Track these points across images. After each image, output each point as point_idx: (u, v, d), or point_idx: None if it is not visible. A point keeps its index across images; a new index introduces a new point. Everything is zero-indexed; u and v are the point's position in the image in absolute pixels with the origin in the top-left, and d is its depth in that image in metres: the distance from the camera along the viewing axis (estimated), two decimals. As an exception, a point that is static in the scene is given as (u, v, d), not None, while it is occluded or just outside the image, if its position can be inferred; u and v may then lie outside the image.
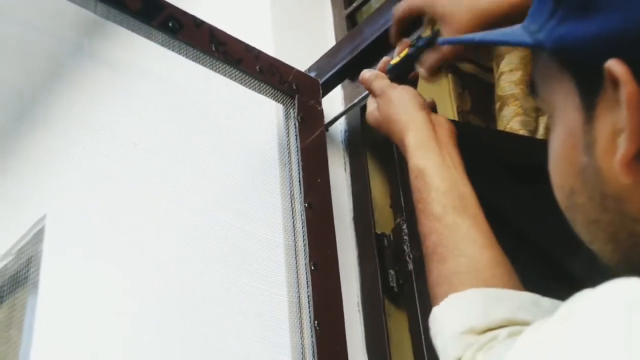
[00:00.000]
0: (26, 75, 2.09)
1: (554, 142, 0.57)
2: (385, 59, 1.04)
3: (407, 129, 0.91)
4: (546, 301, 0.73)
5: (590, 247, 0.55)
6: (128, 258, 1.58)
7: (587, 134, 0.52)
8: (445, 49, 0.93)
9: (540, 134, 1.34)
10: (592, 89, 0.51)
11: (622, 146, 0.49)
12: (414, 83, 1.02)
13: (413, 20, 1.00)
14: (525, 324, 0.68)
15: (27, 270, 2.00)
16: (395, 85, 0.98)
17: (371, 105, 1.00)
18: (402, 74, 1.00)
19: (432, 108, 1.01)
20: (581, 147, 0.53)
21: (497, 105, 1.60)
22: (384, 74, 1.00)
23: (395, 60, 1.01)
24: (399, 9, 0.99)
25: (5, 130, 2.24)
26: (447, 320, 0.75)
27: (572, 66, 0.53)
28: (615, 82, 0.48)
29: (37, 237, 2.02)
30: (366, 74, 1.01)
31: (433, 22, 0.95)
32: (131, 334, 1.50)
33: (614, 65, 0.48)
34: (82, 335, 1.67)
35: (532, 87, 0.60)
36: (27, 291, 1.96)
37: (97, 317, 1.63)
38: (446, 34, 0.91)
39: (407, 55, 0.98)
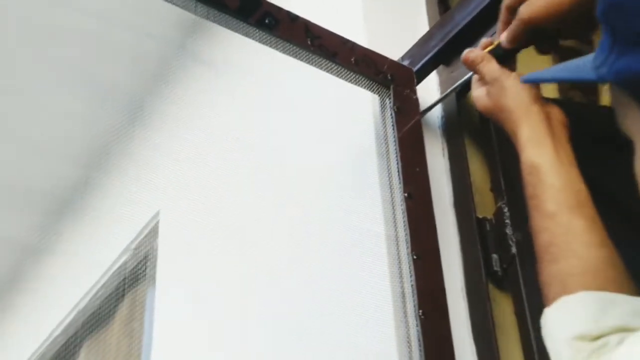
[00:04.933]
0: (134, 78, 2.17)
1: (637, 167, 0.58)
2: (484, 40, 1.02)
3: (521, 122, 0.90)
4: None
5: None
6: (236, 249, 1.63)
7: None
8: (524, 14, 0.91)
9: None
10: None
11: None
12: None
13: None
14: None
15: (145, 266, 2.09)
16: (508, 72, 0.96)
17: (478, 89, 0.99)
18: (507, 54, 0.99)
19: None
20: None
21: (600, 78, 1.56)
22: (491, 56, 0.98)
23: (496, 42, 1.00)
24: None
25: (119, 133, 2.34)
26: (559, 324, 0.75)
27: (636, 96, 0.54)
28: None
29: (152, 233, 2.10)
30: (471, 54, 1.00)
31: None
32: (244, 325, 1.54)
33: None
34: (200, 327, 1.73)
35: (613, 114, 0.60)
36: (146, 285, 2.05)
37: (213, 307, 1.69)
38: (524, 10, 0.91)
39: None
